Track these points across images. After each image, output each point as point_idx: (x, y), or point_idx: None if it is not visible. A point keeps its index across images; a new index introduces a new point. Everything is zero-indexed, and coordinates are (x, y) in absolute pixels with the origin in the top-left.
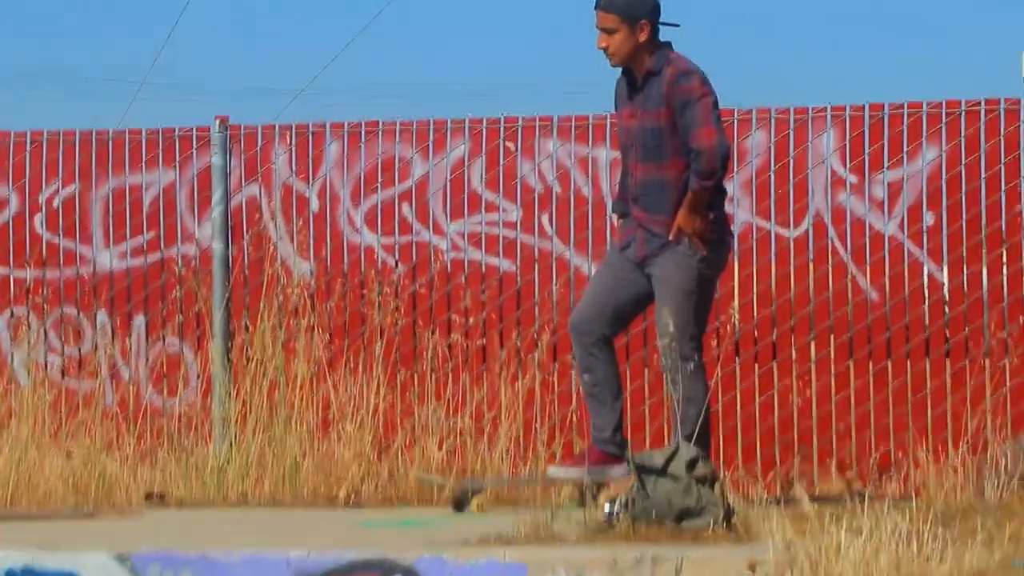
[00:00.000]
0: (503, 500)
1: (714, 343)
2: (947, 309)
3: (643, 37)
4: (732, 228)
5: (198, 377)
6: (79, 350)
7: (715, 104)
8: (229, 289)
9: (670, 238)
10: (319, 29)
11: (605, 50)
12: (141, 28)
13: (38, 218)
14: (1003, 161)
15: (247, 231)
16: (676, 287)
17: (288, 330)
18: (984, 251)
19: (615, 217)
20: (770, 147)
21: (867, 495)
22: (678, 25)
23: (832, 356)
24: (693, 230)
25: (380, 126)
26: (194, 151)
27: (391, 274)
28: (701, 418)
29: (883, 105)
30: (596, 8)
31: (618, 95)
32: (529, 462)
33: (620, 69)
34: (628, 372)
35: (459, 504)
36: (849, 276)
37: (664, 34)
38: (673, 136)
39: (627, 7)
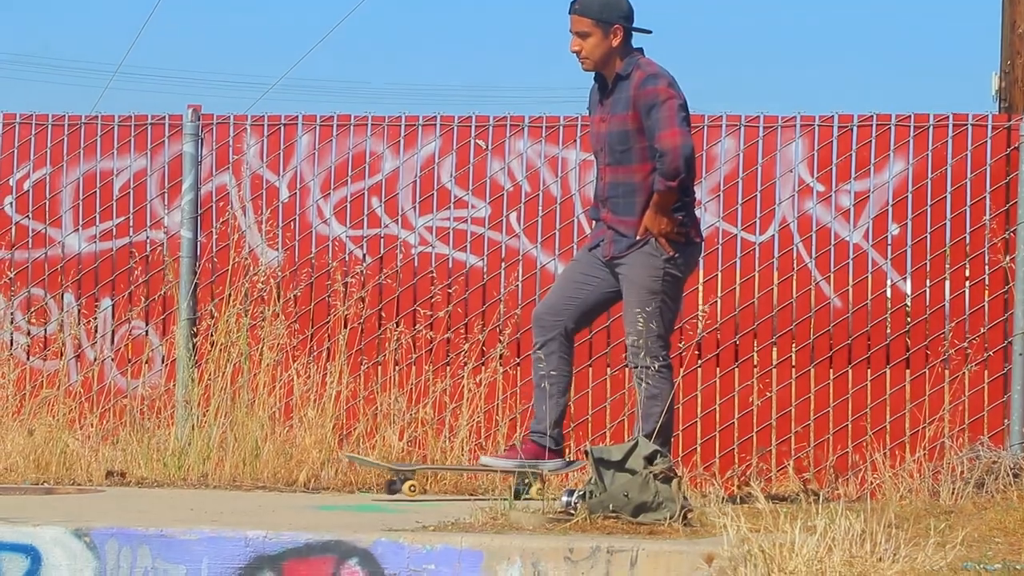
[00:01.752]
0: (462, 489)
1: (679, 343)
2: (909, 318)
3: (616, 42)
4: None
5: (163, 360)
6: (45, 331)
7: (682, 107)
8: (197, 275)
9: (637, 238)
10: (297, 25)
11: (578, 53)
12: (117, 16)
13: (7, 200)
14: (969, 176)
15: (216, 219)
16: (642, 286)
17: (253, 317)
18: (947, 263)
19: (590, 220)
20: (739, 154)
21: (823, 496)
22: (650, 31)
23: (793, 360)
24: (659, 231)
25: (352, 120)
26: (166, 139)
27: (358, 265)
28: (664, 415)
29: (852, 116)
30: (570, 12)
31: (591, 101)
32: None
33: (593, 75)
34: (591, 370)
35: (391, 487)
36: (813, 283)
37: (637, 40)
38: (640, 139)
39: (600, 11)
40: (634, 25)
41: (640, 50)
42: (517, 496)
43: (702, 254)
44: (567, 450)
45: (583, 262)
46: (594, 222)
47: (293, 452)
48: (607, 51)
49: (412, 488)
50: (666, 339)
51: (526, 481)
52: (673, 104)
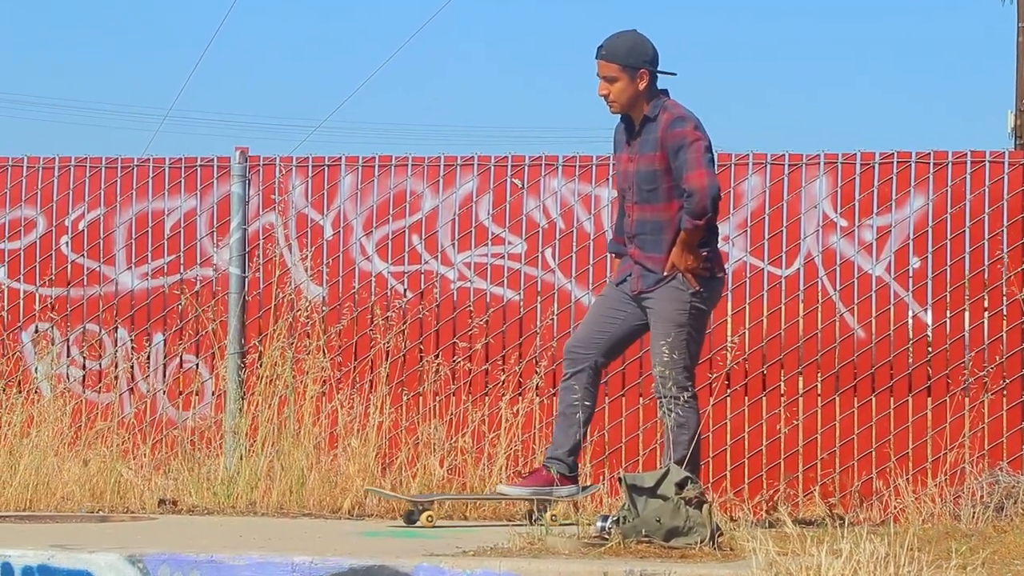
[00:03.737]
0: (501, 515)
1: (709, 373)
2: (930, 348)
3: (642, 85)
4: (725, 265)
5: (212, 392)
6: (99, 364)
7: (708, 148)
8: (244, 311)
9: (664, 273)
10: (341, 68)
11: (606, 97)
12: (167, 62)
13: (64, 239)
14: (987, 211)
15: (263, 256)
16: (669, 320)
17: (298, 350)
18: (967, 295)
19: (611, 254)
20: (765, 190)
21: (848, 520)
22: (675, 74)
23: (819, 389)
24: (686, 267)
25: (393, 161)
26: (215, 180)
27: (399, 299)
28: (696, 444)
29: (874, 154)
30: (597, 57)
31: (617, 140)
32: None
33: (619, 116)
34: (624, 400)
35: (410, 517)
36: (837, 314)
37: (661, 82)
38: (667, 179)
39: (627, 57)
40: (659, 68)
41: (665, 92)
42: (531, 520)
43: (728, 288)
44: (600, 476)
45: (611, 297)
46: (618, 257)
47: (338, 480)
48: (634, 94)
49: (430, 518)
50: (692, 370)
51: (541, 507)
52: (700, 146)
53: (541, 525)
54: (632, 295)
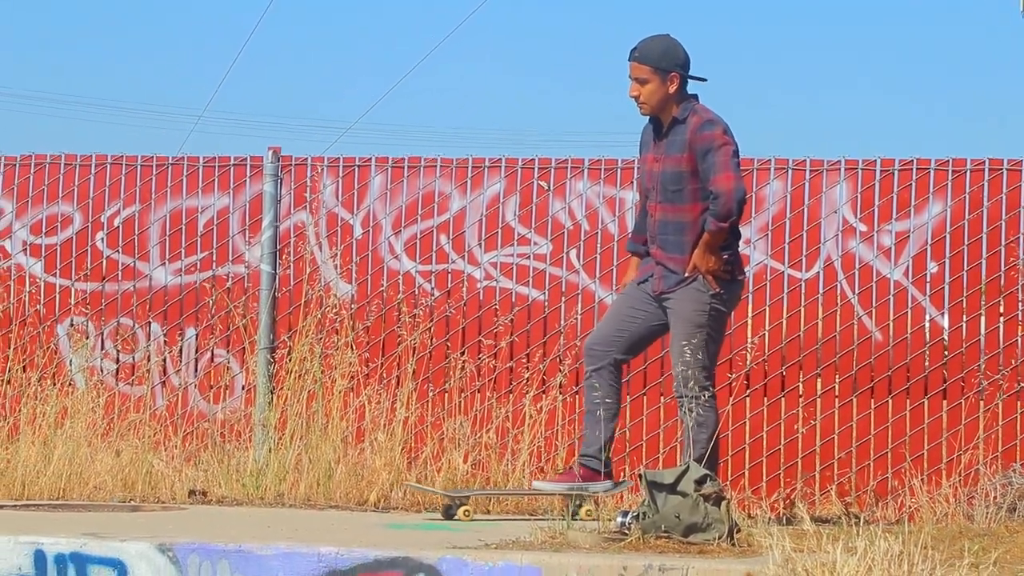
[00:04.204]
0: (523, 509)
1: (728, 374)
2: (946, 351)
3: (673, 88)
4: (746, 268)
5: (242, 387)
6: (132, 358)
7: (735, 153)
8: (274, 307)
9: (686, 275)
10: (371, 69)
11: (636, 98)
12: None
13: (99, 235)
14: (1004, 218)
15: (294, 254)
16: (689, 321)
17: (327, 346)
18: (983, 300)
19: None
20: (786, 195)
21: (863, 518)
22: (705, 80)
23: (837, 390)
24: (707, 268)
25: (422, 162)
26: (247, 179)
27: (426, 298)
28: (715, 442)
29: (894, 160)
30: (630, 59)
31: (644, 142)
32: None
33: (648, 118)
34: (645, 398)
35: (448, 511)
36: (856, 317)
37: (692, 87)
38: (693, 180)
39: (659, 59)
40: (690, 73)
41: (695, 96)
42: (567, 515)
43: (749, 290)
44: (621, 473)
45: (632, 296)
46: (635, 256)
47: (364, 474)
48: (664, 97)
49: (467, 512)
50: (711, 370)
51: (577, 502)
52: (728, 150)
53: (576, 519)
54: (653, 295)
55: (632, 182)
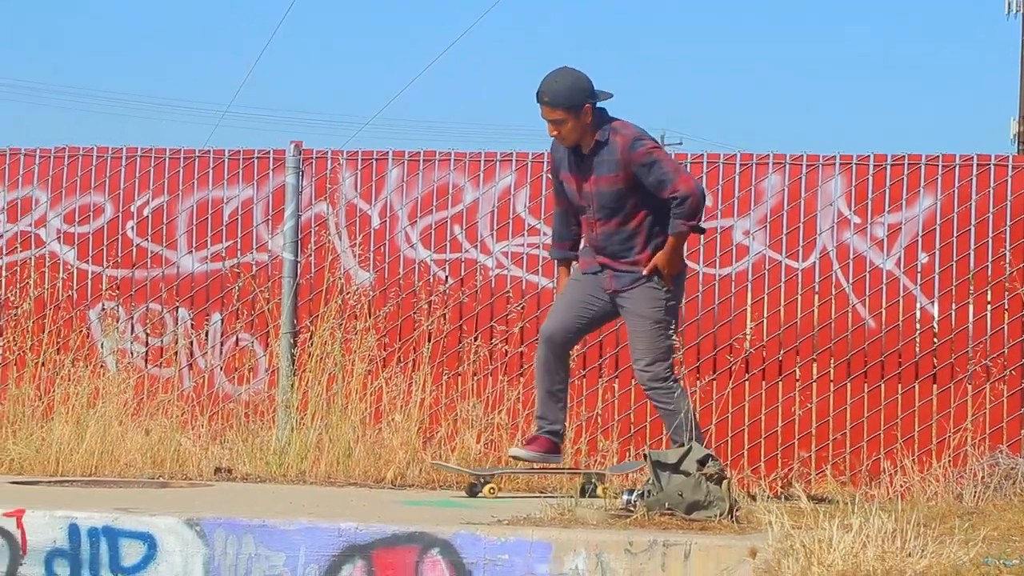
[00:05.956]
0: (533, 488)
1: (728, 358)
2: (936, 338)
3: (588, 120)
4: (745, 258)
5: (266, 369)
6: (161, 341)
7: (668, 153)
8: (296, 293)
9: (644, 273)
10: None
11: (557, 136)
12: (226, 59)
13: (129, 224)
14: (991, 211)
15: (314, 243)
16: (647, 317)
17: (347, 331)
18: (971, 289)
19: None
20: (784, 188)
21: (858, 497)
22: (612, 95)
23: (832, 375)
24: (671, 272)
25: (436, 156)
26: (270, 171)
27: (441, 285)
28: (691, 422)
29: (886, 156)
30: (539, 102)
31: (557, 159)
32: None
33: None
34: (634, 386)
35: (472, 489)
36: (850, 305)
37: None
38: (633, 194)
39: (569, 98)
40: (597, 91)
41: (605, 111)
42: (583, 494)
43: (748, 279)
44: (627, 453)
45: (586, 284)
46: (563, 265)
47: (382, 452)
48: (582, 129)
49: (492, 490)
50: (670, 360)
51: (592, 481)
52: (664, 155)
53: (596, 496)
54: (607, 292)
55: None
